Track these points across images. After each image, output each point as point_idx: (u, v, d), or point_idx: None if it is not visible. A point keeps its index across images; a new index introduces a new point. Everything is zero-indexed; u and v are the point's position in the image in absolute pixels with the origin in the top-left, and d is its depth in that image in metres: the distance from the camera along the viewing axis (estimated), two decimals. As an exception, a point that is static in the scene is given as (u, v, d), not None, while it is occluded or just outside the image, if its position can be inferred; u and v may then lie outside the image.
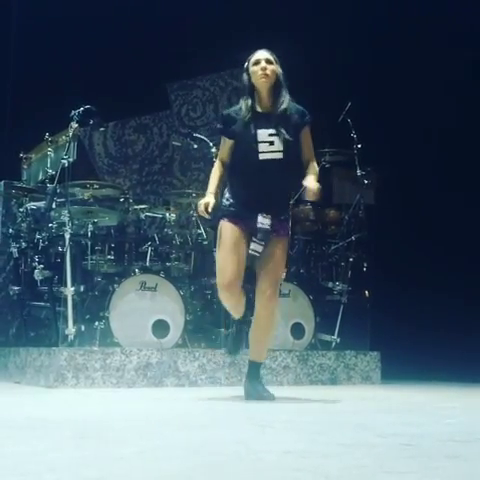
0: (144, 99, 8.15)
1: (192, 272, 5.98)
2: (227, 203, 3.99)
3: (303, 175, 3.98)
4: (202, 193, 6.37)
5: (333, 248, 6.27)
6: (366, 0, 7.44)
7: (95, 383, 4.87)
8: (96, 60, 7.56)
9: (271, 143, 3.89)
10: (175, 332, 5.35)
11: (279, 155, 3.89)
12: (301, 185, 3.96)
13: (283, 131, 3.89)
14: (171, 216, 5.96)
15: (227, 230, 3.94)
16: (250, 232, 3.92)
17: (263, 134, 3.89)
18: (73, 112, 5.27)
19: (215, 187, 4.04)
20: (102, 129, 6.25)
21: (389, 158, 6.74)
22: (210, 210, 3.94)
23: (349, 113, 5.96)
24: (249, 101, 3.94)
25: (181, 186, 8.18)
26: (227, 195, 4.02)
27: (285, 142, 3.88)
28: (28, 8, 7.46)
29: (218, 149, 5.84)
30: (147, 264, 5.70)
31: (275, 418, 3.25)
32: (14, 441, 2.41)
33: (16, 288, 5.80)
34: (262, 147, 3.89)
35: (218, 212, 4.03)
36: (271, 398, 4.00)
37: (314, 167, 4.04)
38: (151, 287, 5.37)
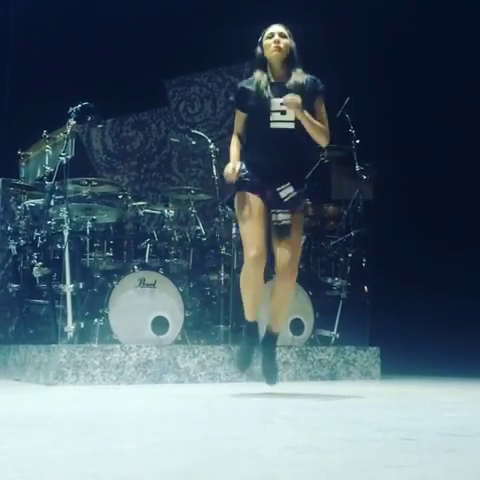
0: (142, 96, 8.14)
1: (191, 268, 5.97)
2: (242, 174, 3.96)
3: (315, 149, 3.99)
4: (201, 189, 6.44)
5: (332, 244, 6.27)
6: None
7: (95, 380, 4.87)
8: (94, 57, 7.55)
9: (283, 112, 3.90)
10: (174, 329, 5.35)
11: (291, 125, 3.90)
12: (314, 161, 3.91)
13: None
14: (170, 213, 5.95)
15: (246, 201, 3.92)
16: (267, 202, 3.91)
17: (276, 103, 3.90)
18: (71, 109, 5.26)
19: (238, 155, 4.02)
20: (100, 126, 6.23)
21: (387, 153, 6.73)
22: (238, 171, 3.91)
23: (347, 108, 5.95)
24: (262, 72, 3.97)
25: (179, 182, 8.18)
26: (243, 167, 3.98)
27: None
28: (26, 5, 7.45)
29: (216, 145, 5.90)
30: (146, 261, 5.69)
31: (275, 414, 3.25)
32: (14, 438, 2.41)
33: (15, 285, 5.79)
34: (274, 116, 3.90)
35: (235, 184, 3.99)
36: (271, 382, 4.03)
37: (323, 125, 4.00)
38: (150, 284, 5.36)
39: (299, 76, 3.97)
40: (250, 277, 3.96)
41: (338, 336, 5.83)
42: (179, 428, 2.73)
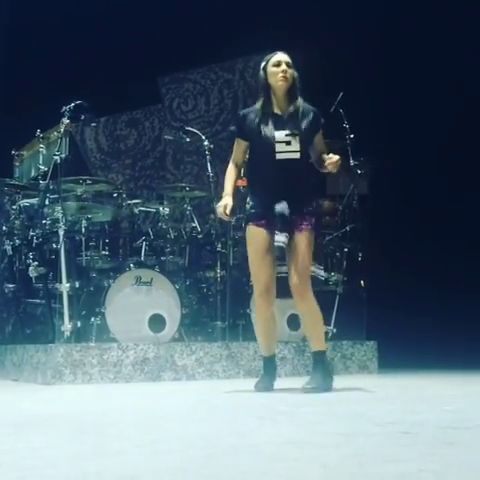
0: (135, 93, 8.13)
1: (187, 266, 5.97)
2: (249, 207, 4.06)
3: (317, 175, 4.14)
4: (195, 186, 6.43)
5: (328, 239, 6.27)
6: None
7: (92, 379, 4.86)
8: (87, 55, 7.54)
9: (288, 143, 3.96)
10: (171, 326, 5.35)
11: (296, 155, 3.97)
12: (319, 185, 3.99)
13: (300, 131, 3.97)
14: (165, 210, 5.94)
15: (254, 234, 4.00)
16: (272, 232, 3.97)
17: (280, 135, 3.96)
18: (64, 108, 5.25)
19: (231, 188, 4.11)
20: (94, 124, 6.24)
21: (382, 148, 6.73)
22: (228, 212, 4.03)
23: (341, 103, 5.94)
24: (266, 102, 4.02)
25: (174, 180, 8.17)
26: (248, 199, 4.08)
27: (302, 142, 3.97)
28: (18, 4, 7.43)
29: (211, 142, 5.90)
30: (142, 259, 5.69)
31: (273, 409, 3.25)
32: (13, 438, 2.41)
33: (11, 286, 5.78)
34: (279, 147, 3.95)
35: (244, 218, 4.12)
36: (319, 389, 4.02)
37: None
38: (146, 282, 5.36)
39: (302, 102, 4.04)
40: (260, 312, 4.07)
41: (335, 331, 5.83)
42: (177, 425, 2.73)
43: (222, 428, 2.63)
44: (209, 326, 5.76)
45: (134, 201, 5.99)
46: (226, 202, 4.03)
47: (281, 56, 4.03)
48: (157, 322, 5.32)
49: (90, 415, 3.13)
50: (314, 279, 6.13)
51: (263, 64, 4.05)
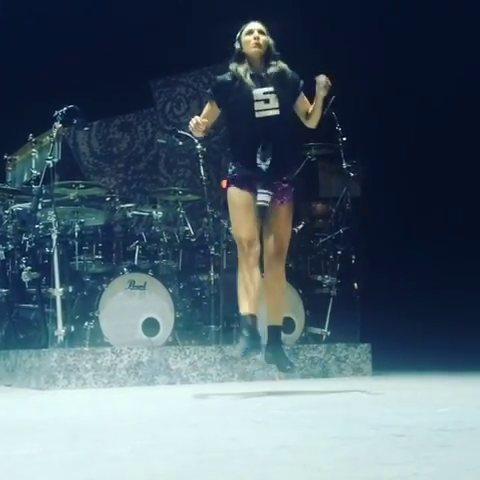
0: (128, 97, 8.12)
1: (181, 269, 5.97)
2: (230, 170, 4.03)
3: (300, 139, 4.06)
4: (188, 190, 6.43)
5: (321, 241, 6.27)
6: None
7: (86, 383, 4.85)
8: (79, 59, 7.52)
9: (266, 101, 3.97)
10: (165, 330, 5.34)
11: (276, 112, 3.98)
12: (302, 158, 3.96)
13: (278, 89, 3.97)
14: (158, 214, 5.94)
15: (236, 195, 3.98)
16: (255, 193, 3.93)
17: (258, 93, 3.97)
18: (56, 112, 5.25)
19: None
20: (86, 128, 6.22)
21: (375, 150, 6.75)
22: (201, 122, 3.97)
23: (333, 106, 5.95)
24: (240, 64, 4.03)
25: (167, 184, 8.16)
26: (230, 163, 4.06)
27: (280, 99, 3.98)
28: (9, 6, 7.41)
29: (203, 145, 5.89)
30: (135, 263, 5.68)
31: (267, 413, 3.25)
32: (7, 444, 2.40)
33: (4, 290, 5.75)
34: (258, 105, 3.96)
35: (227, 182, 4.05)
36: (292, 371, 4.07)
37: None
38: (140, 286, 5.35)
39: (281, 64, 4.05)
40: (243, 266, 3.96)
41: (329, 333, 5.83)
42: (172, 430, 2.72)
43: (216, 432, 2.62)
44: (203, 330, 5.75)
45: (127, 205, 5.99)
46: (196, 118, 4.00)
47: (253, 24, 4.10)
48: (151, 326, 5.31)
49: (84, 420, 3.12)
50: (310, 282, 6.17)
51: (238, 34, 4.10)
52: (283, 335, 5.59)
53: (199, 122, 3.98)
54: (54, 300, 5.02)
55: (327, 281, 6.06)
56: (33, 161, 5.89)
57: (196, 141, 5.84)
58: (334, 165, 6.23)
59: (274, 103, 3.96)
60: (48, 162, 5.18)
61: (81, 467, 1.96)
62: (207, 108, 4.16)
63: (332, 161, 6.29)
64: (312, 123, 4.16)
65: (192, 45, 7.72)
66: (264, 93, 3.95)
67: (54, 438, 2.53)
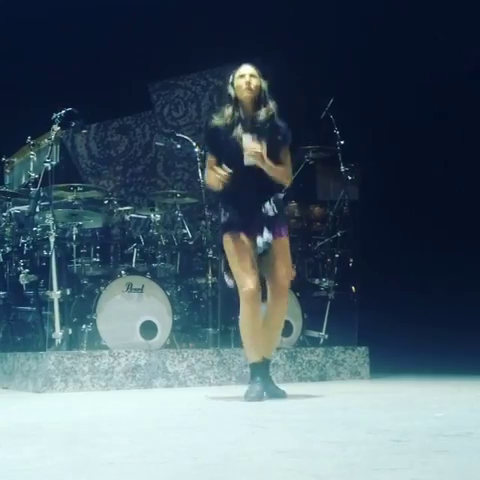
0: (126, 100, 8.13)
1: (178, 272, 5.97)
2: (224, 218, 4.09)
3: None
4: (186, 193, 6.43)
5: (319, 245, 6.28)
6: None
7: (84, 386, 4.85)
8: (77, 62, 7.53)
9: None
10: (163, 333, 5.34)
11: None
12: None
13: (266, 136, 4.00)
14: (156, 217, 5.94)
15: (233, 243, 4.02)
16: (253, 238, 3.98)
17: (247, 141, 3.99)
18: (55, 115, 5.24)
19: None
20: (84, 131, 6.21)
21: (372, 154, 6.75)
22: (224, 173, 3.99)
23: (331, 109, 5.96)
24: (233, 110, 4.07)
25: (165, 186, 8.16)
26: (223, 210, 4.12)
27: (268, 146, 4.01)
28: (7, 9, 7.41)
29: (201, 148, 5.89)
30: (133, 265, 5.68)
31: (265, 417, 3.24)
32: (3, 448, 2.40)
33: (1, 293, 5.75)
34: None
35: (220, 229, 4.14)
36: (284, 395, 4.04)
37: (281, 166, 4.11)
38: (138, 288, 5.35)
39: (271, 108, 4.08)
40: (248, 315, 4.01)
41: (327, 337, 5.84)
42: (169, 435, 2.72)
43: (214, 437, 2.62)
44: (201, 333, 5.75)
45: (125, 208, 5.99)
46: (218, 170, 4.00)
47: (245, 68, 4.12)
48: (148, 329, 5.31)
49: (81, 424, 3.12)
50: (307, 285, 6.17)
51: (231, 79, 4.15)
52: (281, 338, 5.65)
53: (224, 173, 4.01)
54: (52, 303, 5.01)
55: (325, 284, 6.06)
56: (31, 164, 5.88)
57: (194, 144, 5.84)
58: (332, 168, 6.24)
59: (263, 150, 3.97)
60: (46, 165, 5.17)
61: (78, 472, 1.96)
62: (209, 158, 4.19)
63: (330, 164, 6.29)
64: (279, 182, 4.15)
65: (190, 48, 7.72)
66: (253, 140, 3.97)
67: (51, 442, 2.53)
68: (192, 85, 8.68)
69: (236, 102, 4.09)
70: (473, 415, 3.30)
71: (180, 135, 6.09)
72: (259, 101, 4.08)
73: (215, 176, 4.03)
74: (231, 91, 4.10)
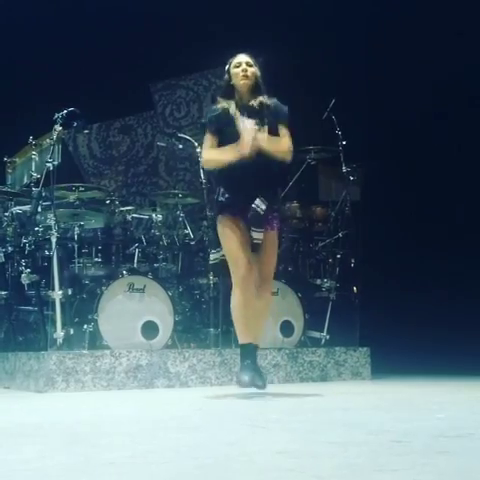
0: (128, 100, 8.13)
1: (180, 272, 5.97)
2: (222, 198, 4.14)
3: (286, 169, 4.32)
4: (188, 193, 6.43)
5: (320, 245, 6.28)
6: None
7: (85, 386, 4.85)
8: (79, 61, 7.53)
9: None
10: (164, 333, 5.34)
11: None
12: (287, 181, 4.05)
13: (265, 123, 4.10)
14: (158, 217, 5.95)
15: (231, 225, 4.09)
16: (247, 222, 4.07)
17: (249, 125, 4.07)
18: (57, 115, 5.24)
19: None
20: (86, 131, 6.23)
21: (374, 154, 6.75)
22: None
23: (333, 110, 5.96)
24: (229, 99, 4.18)
25: (167, 186, 8.17)
26: (221, 190, 4.16)
27: (269, 131, 4.09)
28: (7, 9, 7.41)
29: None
30: (135, 265, 5.69)
31: (266, 418, 3.24)
32: (5, 448, 2.40)
33: (3, 293, 5.75)
34: None
35: (215, 209, 4.23)
36: (263, 387, 4.05)
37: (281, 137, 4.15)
38: (139, 288, 5.35)
39: (265, 98, 4.18)
40: (240, 297, 4.06)
41: (328, 337, 5.83)
42: (170, 435, 2.72)
43: (215, 437, 2.62)
44: (202, 333, 5.75)
45: (127, 208, 5.99)
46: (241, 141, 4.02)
47: (241, 57, 4.24)
48: (150, 329, 5.31)
49: (82, 424, 3.12)
50: (309, 286, 6.17)
51: (227, 67, 4.24)
52: (282, 338, 5.67)
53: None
54: (53, 303, 5.01)
55: (326, 285, 6.06)
56: (33, 164, 5.89)
57: (196, 144, 5.84)
58: (334, 169, 6.23)
59: (263, 135, 4.06)
60: (48, 165, 5.18)
61: (79, 472, 1.96)
62: (210, 139, 4.20)
63: (332, 165, 6.29)
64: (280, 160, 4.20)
65: (192, 48, 7.72)
66: (254, 125, 4.07)
67: (52, 442, 2.53)
68: (194, 85, 8.68)
69: (233, 90, 4.19)
70: (474, 416, 3.30)
71: (182, 135, 6.08)
72: (256, 88, 4.18)
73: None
74: (227, 79, 4.22)
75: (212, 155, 4.18)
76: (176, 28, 7.80)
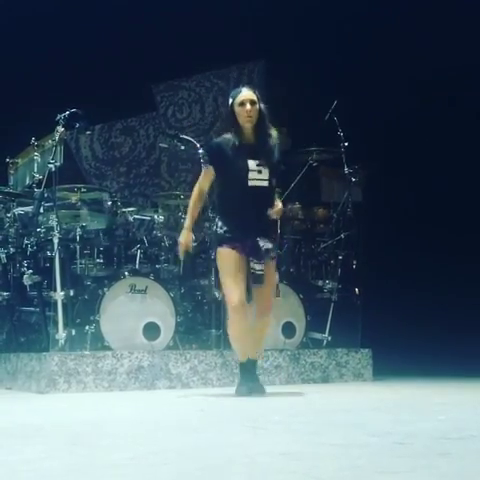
0: (130, 101, 8.13)
1: (182, 274, 5.96)
2: (222, 231, 4.30)
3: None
4: (190, 194, 6.41)
5: (322, 246, 6.27)
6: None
7: (87, 387, 4.85)
8: (81, 63, 7.54)
9: (259, 172, 4.27)
10: (166, 334, 5.34)
11: (265, 183, 4.29)
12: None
13: (269, 162, 4.28)
14: (159, 218, 5.95)
15: (227, 256, 4.26)
16: (247, 254, 4.23)
17: (252, 164, 4.25)
18: (59, 116, 5.25)
19: (192, 222, 4.48)
20: (88, 132, 6.22)
21: (376, 156, 6.75)
22: (189, 244, 4.43)
23: (335, 111, 5.96)
24: (235, 134, 4.28)
25: (169, 188, 8.17)
26: (220, 223, 4.34)
27: (270, 172, 4.28)
28: (10, 10, 7.42)
29: (205, 150, 5.89)
30: (136, 267, 5.68)
31: (268, 419, 3.24)
32: (7, 449, 2.40)
33: (5, 294, 5.75)
34: (251, 175, 4.25)
35: (215, 241, 4.43)
36: (261, 392, 4.24)
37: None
38: (141, 290, 5.35)
39: (271, 133, 4.32)
40: (236, 324, 4.29)
41: (330, 338, 5.83)
42: (172, 436, 2.72)
43: (216, 438, 2.62)
44: (204, 334, 5.75)
45: (129, 209, 5.99)
46: (187, 239, 4.39)
47: (245, 94, 4.27)
48: (152, 330, 5.31)
49: (84, 426, 3.12)
50: (311, 287, 6.16)
51: (230, 101, 4.31)
52: (284, 340, 5.66)
53: (186, 245, 4.42)
54: (55, 304, 5.02)
55: (328, 286, 6.05)
56: (35, 165, 5.88)
57: (198, 145, 5.84)
58: (336, 170, 6.23)
59: (265, 175, 4.26)
60: (50, 166, 5.18)
61: (80, 473, 1.96)
62: (205, 175, 4.40)
63: (334, 166, 6.29)
64: None
65: (195, 49, 7.72)
66: (257, 165, 4.24)
67: (54, 443, 2.53)
68: (196, 86, 8.68)
69: (238, 127, 4.27)
70: (476, 418, 3.30)
71: (184, 136, 6.08)
72: (259, 125, 4.27)
73: (182, 233, 4.43)
74: (231, 116, 4.29)
75: (190, 205, 4.45)
76: (179, 29, 7.80)
